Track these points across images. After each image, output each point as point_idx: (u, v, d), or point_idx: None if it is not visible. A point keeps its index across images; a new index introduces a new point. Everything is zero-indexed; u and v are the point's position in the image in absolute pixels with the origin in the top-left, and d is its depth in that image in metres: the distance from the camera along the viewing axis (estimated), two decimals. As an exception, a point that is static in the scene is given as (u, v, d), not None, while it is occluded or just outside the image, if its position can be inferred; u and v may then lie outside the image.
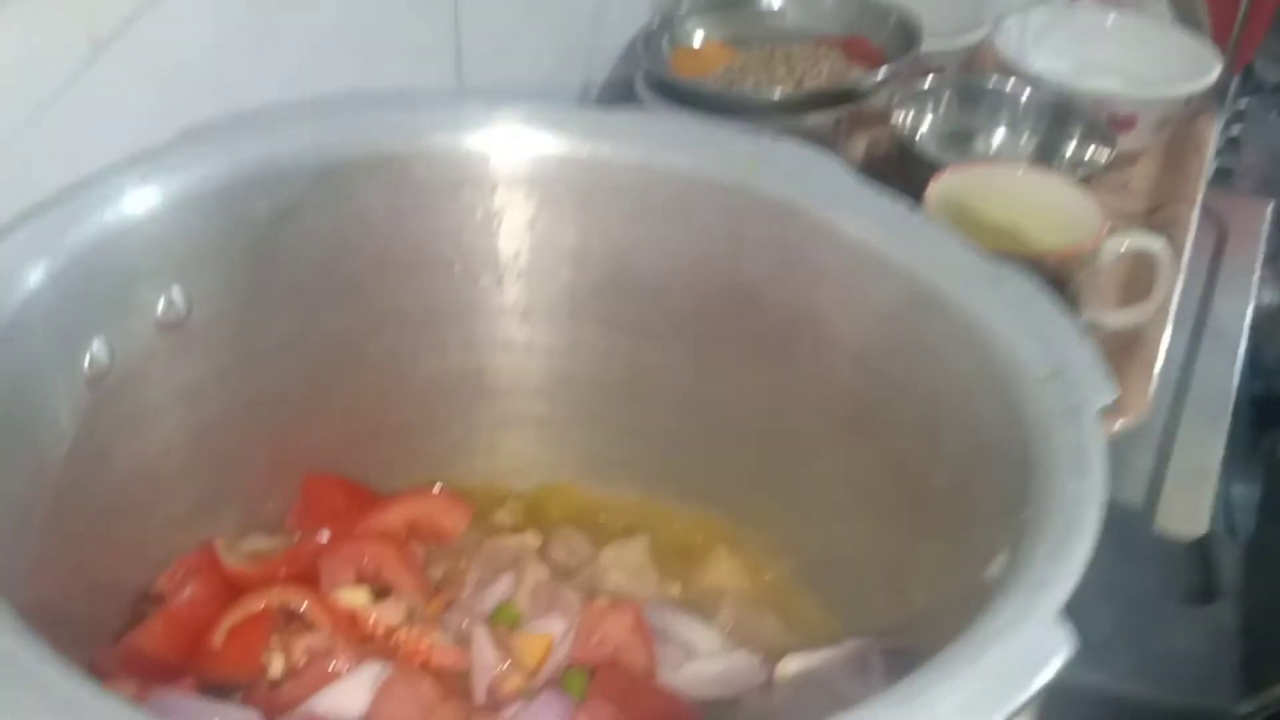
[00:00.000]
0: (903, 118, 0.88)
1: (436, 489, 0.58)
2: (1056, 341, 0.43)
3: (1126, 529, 0.46)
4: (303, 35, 0.59)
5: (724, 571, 0.58)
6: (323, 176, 0.50)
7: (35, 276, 0.40)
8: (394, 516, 0.55)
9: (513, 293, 0.57)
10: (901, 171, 0.85)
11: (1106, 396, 0.41)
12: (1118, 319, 0.76)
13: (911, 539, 0.50)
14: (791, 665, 0.52)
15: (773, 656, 0.53)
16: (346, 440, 0.57)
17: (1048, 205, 0.74)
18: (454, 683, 0.48)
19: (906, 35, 0.90)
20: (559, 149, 0.53)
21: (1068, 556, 0.36)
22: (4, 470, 0.38)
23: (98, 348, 0.43)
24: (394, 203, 0.52)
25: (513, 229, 0.55)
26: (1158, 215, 0.90)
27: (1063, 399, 0.41)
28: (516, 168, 0.53)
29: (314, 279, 0.52)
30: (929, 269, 0.47)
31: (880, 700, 0.32)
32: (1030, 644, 0.33)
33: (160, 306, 0.46)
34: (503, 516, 0.60)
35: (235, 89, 0.54)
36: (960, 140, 0.91)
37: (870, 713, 0.31)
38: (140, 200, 0.45)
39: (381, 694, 0.43)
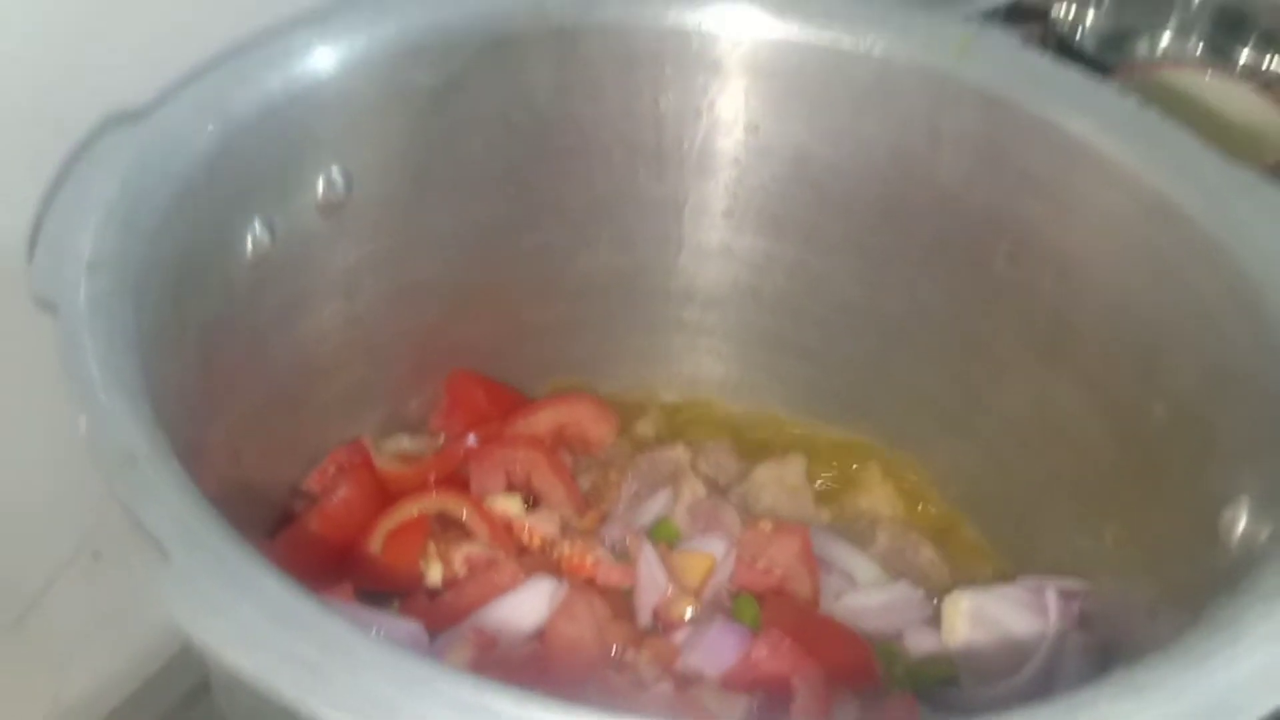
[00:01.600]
0: (1063, 11, 0.81)
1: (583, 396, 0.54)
2: (1323, 262, 0.38)
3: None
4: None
5: (878, 497, 0.55)
6: (489, 48, 0.46)
7: (205, 143, 0.37)
8: (542, 422, 0.51)
9: (672, 187, 0.53)
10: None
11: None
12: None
13: (1109, 473, 0.46)
14: (962, 602, 0.49)
15: (931, 590, 0.50)
16: (492, 337, 0.54)
17: (1233, 114, 0.68)
18: (616, 601, 0.45)
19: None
20: (739, 27, 0.48)
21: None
22: (172, 349, 0.35)
23: (259, 228, 0.40)
24: (560, 80, 0.48)
25: (680, 116, 0.51)
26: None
27: (1334, 326, 0.37)
28: (690, 46, 0.49)
29: (474, 163, 0.48)
30: (1165, 174, 0.42)
31: (1163, 659, 0.28)
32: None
33: (321, 186, 0.43)
34: (645, 427, 0.56)
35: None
36: (1123, 40, 0.84)
37: (1157, 675, 0.28)
38: (305, 66, 0.41)
39: (562, 611, 0.40)
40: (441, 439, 0.51)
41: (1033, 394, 0.49)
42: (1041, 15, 0.81)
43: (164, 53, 0.40)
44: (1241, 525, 0.36)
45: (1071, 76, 0.46)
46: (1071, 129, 0.44)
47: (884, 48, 0.47)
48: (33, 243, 0.32)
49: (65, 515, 0.45)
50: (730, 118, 0.51)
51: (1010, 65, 0.46)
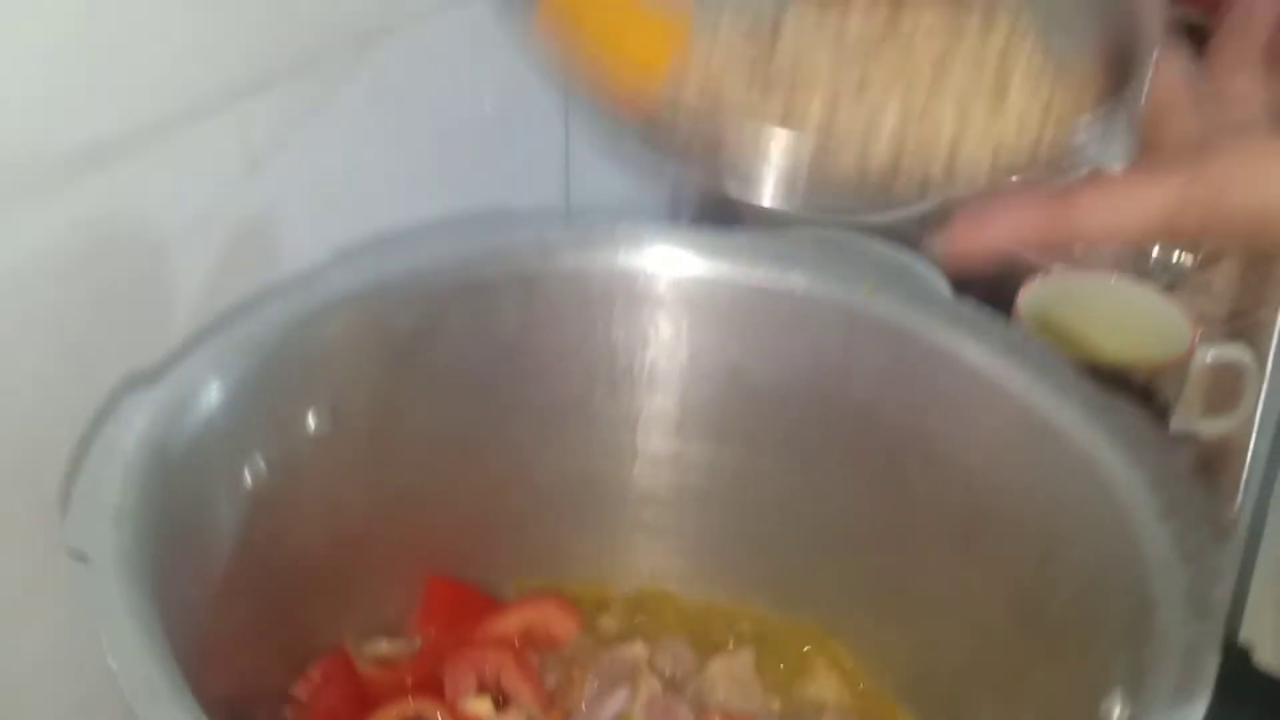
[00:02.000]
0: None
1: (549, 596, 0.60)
2: (1172, 478, 0.44)
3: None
4: (426, 155, 0.62)
5: (824, 684, 0.59)
6: (461, 292, 0.53)
7: (213, 397, 0.43)
8: (510, 623, 0.57)
9: (626, 403, 0.59)
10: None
11: (1221, 539, 0.42)
12: (1205, 427, 0.77)
13: (1022, 659, 0.51)
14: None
15: (871, 773, 0.55)
16: (462, 542, 0.59)
17: (1138, 315, 0.75)
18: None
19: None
20: (678, 269, 0.56)
21: (1190, 704, 0.37)
22: (180, 580, 0.40)
23: (258, 462, 0.46)
24: (524, 317, 0.55)
25: (630, 343, 0.57)
26: (1241, 319, 0.90)
27: (1180, 539, 0.42)
28: (636, 285, 0.56)
29: (446, 390, 0.54)
30: (1043, 398, 0.49)
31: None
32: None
33: (312, 420, 0.49)
34: (608, 621, 0.61)
35: (375, 204, 0.58)
36: (1044, 243, 0.92)
37: None
38: (299, 318, 0.48)
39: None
40: (418, 641, 0.56)
41: (950, 585, 0.54)
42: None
43: (174, 320, 0.48)
44: (1115, 713, 0.42)
45: (966, 310, 0.53)
46: (967, 356, 0.51)
47: (803, 285, 0.54)
48: (64, 497, 0.38)
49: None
50: (674, 343, 0.57)
51: (913, 301, 0.53)
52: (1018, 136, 0.38)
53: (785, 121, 0.37)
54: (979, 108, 0.38)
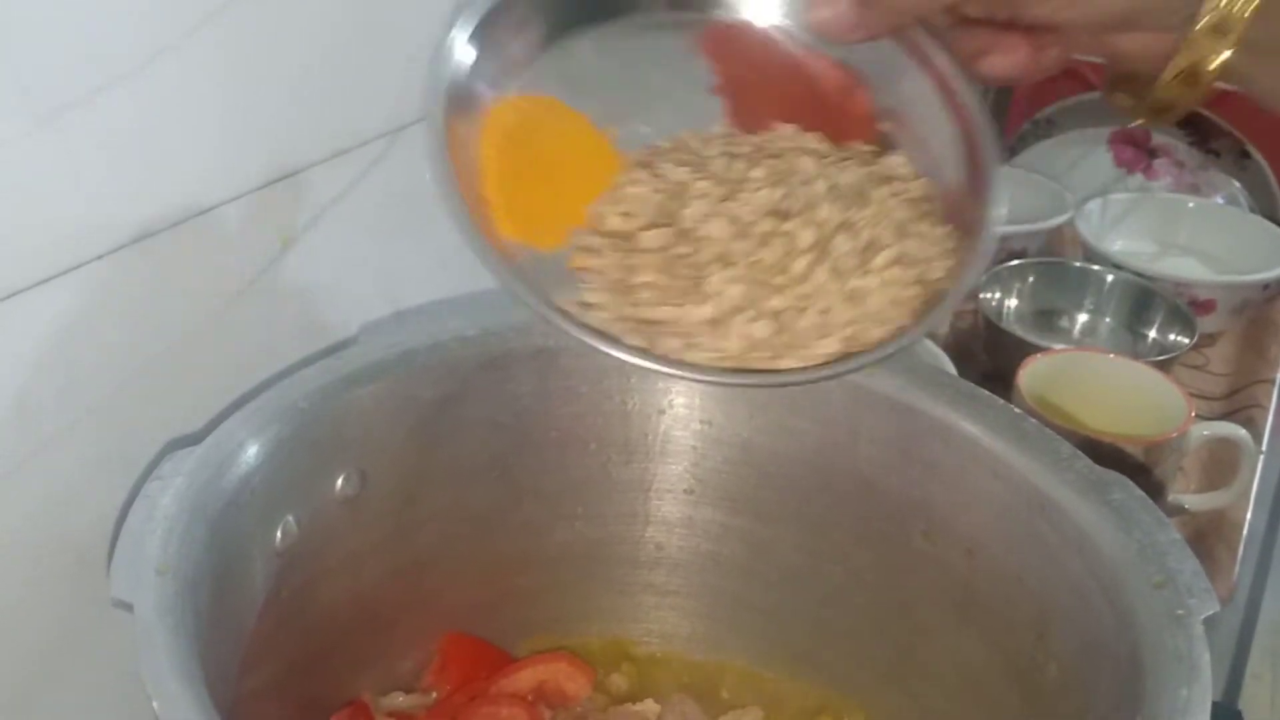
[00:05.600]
0: (990, 296, 0.92)
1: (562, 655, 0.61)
2: (1162, 549, 0.46)
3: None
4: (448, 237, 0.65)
5: (830, 747, 0.61)
6: (483, 365, 0.55)
7: (249, 459, 0.46)
8: (524, 679, 0.58)
9: (639, 471, 0.61)
10: (988, 346, 0.89)
11: (1211, 606, 0.44)
12: (1201, 502, 0.79)
13: (1021, 725, 0.53)
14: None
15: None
16: (479, 602, 0.61)
17: (1136, 391, 0.78)
18: None
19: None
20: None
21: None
22: (215, 632, 0.42)
23: (289, 522, 0.48)
24: (541, 388, 0.57)
25: (645, 414, 0.60)
26: (1237, 396, 0.93)
27: (1172, 607, 0.44)
28: (652, 360, 0.58)
29: (467, 457, 0.57)
30: (1040, 472, 0.51)
31: None
32: None
33: (340, 483, 0.51)
34: (618, 680, 0.63)
35: (400, 281, 0.60)
36: (1045, 318, 0.95)
37: None
38: (331, 388, 0.50)
39: None
40: (434, 696, 0.58)
41: (952, 652, 0.56)
42: (971, 295, 0.92)
43: (212, 389, 0.50)
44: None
45: (965, 388, 0.55)
46: (966, 430, 0.53)
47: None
48: (111, 552, 0.40)
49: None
50: (687, 414, 0.60)
51: (915, 377, 0.55)
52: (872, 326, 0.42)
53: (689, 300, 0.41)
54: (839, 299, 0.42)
